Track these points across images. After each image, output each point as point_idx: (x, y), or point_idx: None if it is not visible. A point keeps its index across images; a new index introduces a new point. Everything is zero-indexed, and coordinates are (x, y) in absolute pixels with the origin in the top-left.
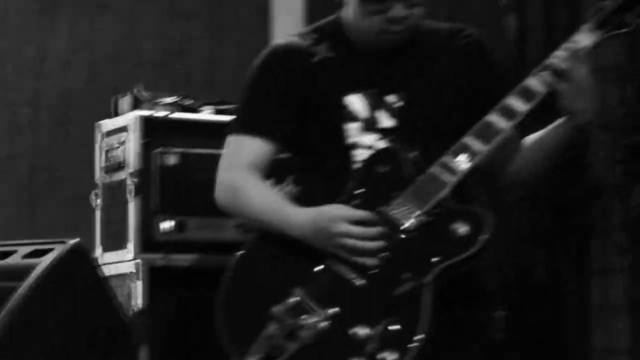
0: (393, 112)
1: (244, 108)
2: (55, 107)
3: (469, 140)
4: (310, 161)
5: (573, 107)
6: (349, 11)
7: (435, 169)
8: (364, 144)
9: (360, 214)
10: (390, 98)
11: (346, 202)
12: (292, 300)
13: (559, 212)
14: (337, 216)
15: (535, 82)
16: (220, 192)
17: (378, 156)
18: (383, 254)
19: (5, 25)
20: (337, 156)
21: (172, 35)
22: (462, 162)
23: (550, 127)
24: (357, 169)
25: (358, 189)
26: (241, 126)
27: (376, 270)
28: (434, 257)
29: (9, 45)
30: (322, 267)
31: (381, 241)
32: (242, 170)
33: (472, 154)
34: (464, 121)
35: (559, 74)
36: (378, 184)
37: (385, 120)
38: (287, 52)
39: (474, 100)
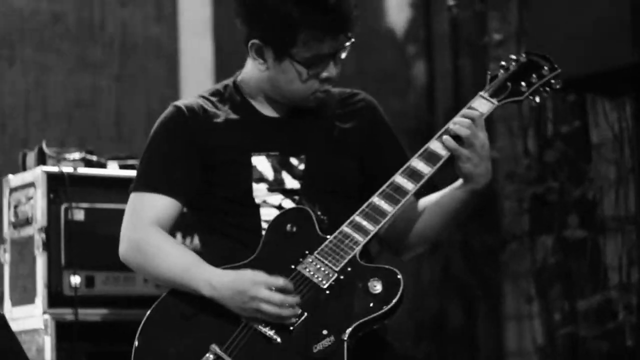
0: (296, 174)
1: (146, 166)
2: None
3: (377, 200)
4: (216, 220)
5: (473, 172)
6: (271, 78)
7: (346, 229)
8: (272, 203)
9: (280, 281)
10: (293, 160)
11: (259, 260)
12: (210, 356)
13: (470, 259)
14: (257, 281)
15: (438, 146)
16: (126, 250)
17: (286, 215)
18: (301, 315)
19: None
20: (245, 215)
21: (80, 87)
22: (372, 221)
23: (447, 189)
24: (268, 228)
25: (269, 247)
26: (144, 184)
27: (295, 328)
28: (352, 314)
29: None
30: (239, 324)
31: (298, 308)
32: (148, 228)
33: (381, 214)
34: (361, 180)
35: (460, 139)
36: (288, 242)
37: (290, 182)
38: (189, 112)
39: (369, 160)
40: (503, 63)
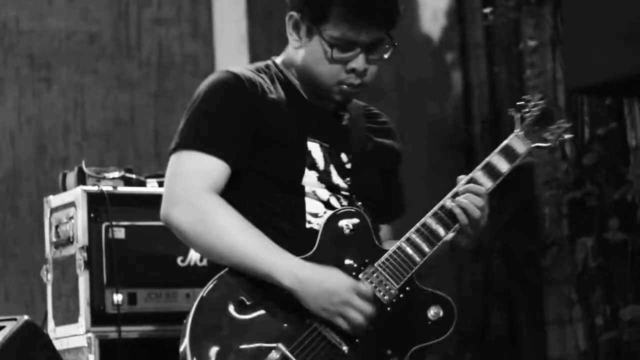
0: (342, 172)
1: (196, 124)
2: (3, 181)
3: (433, 224)
4: (256, 204)
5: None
6: (302, 56)
7: (405, 246)
8: (320, 197)
9: (370, 291)
10: (344, 157)
11: (319, 259)
12: (275, 356)
13: (511, 266)
14: (352, 287)
15: (450, 204)
16: (181, 214)
17: (343, 216)
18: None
19: None
20: (289, 204)
21: (118, 106)
22: (428, 243)
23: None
24: (324, 225)
25: (326, 247)
26: (197, 143)
27: (360, 341)
28: (412, 337)
29: None
30: (306, 326)
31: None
32: (209, 194)
33: (436, 237)
34: (383, 193)
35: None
36: (346, 246)
37: (335, 177)
38: (247, 82)
39: (385, 177)
40: (521, 102)
